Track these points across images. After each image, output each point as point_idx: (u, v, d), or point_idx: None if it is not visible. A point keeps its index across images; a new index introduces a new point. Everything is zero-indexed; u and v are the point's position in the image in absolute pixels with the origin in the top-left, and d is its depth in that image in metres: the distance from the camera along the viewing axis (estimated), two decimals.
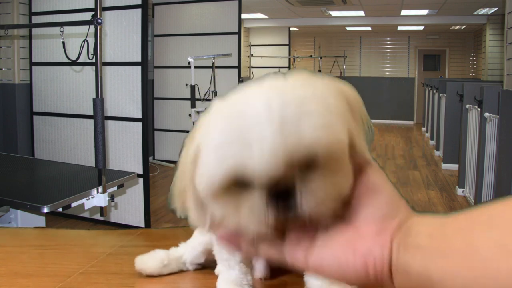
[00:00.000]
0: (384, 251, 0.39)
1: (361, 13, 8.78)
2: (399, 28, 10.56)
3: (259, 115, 0.39)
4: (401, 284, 0.38)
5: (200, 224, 0.47)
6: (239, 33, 5.45)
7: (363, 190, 0.42)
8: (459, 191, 4.56)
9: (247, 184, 0.41)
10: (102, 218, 3.21)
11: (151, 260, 0.79)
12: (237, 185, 0.41)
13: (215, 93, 4.86)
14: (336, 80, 0.46)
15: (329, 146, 0.40)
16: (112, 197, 2.65)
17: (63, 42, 2.78)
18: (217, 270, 0.71)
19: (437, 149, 6.79)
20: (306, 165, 0.41)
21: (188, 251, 0.81)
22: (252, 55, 9.70)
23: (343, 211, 0.42)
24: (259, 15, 9.25)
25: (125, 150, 3.48)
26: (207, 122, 0.45)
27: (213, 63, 4.85)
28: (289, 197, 0.41)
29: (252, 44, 9.84)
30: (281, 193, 0.41)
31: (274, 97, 0.40)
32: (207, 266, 0.82)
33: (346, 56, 11.22)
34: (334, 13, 8.84)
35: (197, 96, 4.65)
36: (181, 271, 0.82)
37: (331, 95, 0.42)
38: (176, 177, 0.49)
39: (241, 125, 0.40)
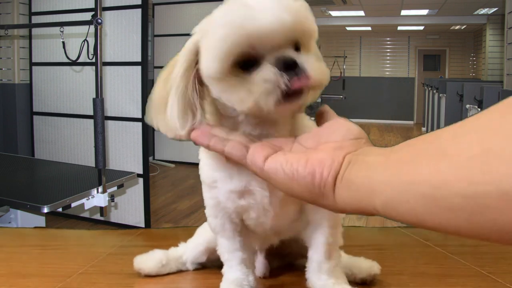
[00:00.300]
0: (334, 163, 0.42)
1: (361, 13, 8.78)
2: (399, 28, 10.57)
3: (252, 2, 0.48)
4: (342, 195, 0.41)
5: (181, 126, 0.52)
6: None
7: (327, 124, 0.49)
8: None
9: (253, 62, 0.49)
10: (102, 218, 3.21)
11: (149, 260, 0.79)
12: (242, 64, 0.49)
13: None
14: None
15: (311, 24, 0.51)
16: (112, 197, 2.65)
17: (63, 42, 2.78)
18: (223, 270, 0.71)
19: None
20: (299, 36, 0.50)
21: (189, 250, 0.81)
22: None
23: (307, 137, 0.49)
24: None
25: (125, 150, 3.48)
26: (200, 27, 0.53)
27: None
28: (294, 67, 0.49)
29: None
30: (288, 60, 0.49)
31: None
32: (208, 266, 0.82)
33: (346, 56, 11.23)
34: (334, 13, 8.84)
35: None
36: (180, 271, 0.82)
37: None
38: (156, 87, 0.54)
39: (237, 11, 0.48)
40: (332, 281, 0.66)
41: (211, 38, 0.50)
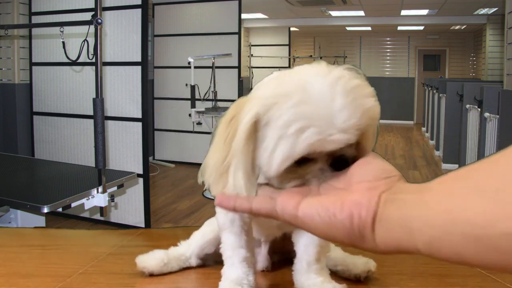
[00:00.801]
0: (371, 203, 0.40)
1: (361, 13, 8.78)
2: (399, 28, 10.56)
3: (323, 91, 0.45)
4: (382, 236, 0.39)
5: (247, 192, 0.49)
6: (239, 33, 5.45)
7: (358, 162, 0.46)
8: None
9: (310, 159, 0.47)
10: (102, 218, 3.21)
11: (151, 259, 0.79)
12: (299, 161, 0.46)
13: (215, 93, 4.85)
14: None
15: (379, 111, 0.47)
16: (112, 197, 2.65)
17: (63, 42, 2.78)
18: (222, 270, 0.71)
19: (437, 149, 6.79)
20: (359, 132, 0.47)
21: (195, 240, 0.81)
22: (252, 55, 9.70)
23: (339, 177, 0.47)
24: (259, 15, 9.25)
25: (125, 150, 3.48)
26: (262, 95, 0.48)
27: (213, 63, 4.85)
28: (345, 163, 0.47)
29: (252, 44, 9.84)
30: (337, 159, 0.47)
31: (327, 75, 0.46)
32: (212, 262, 0.83)
33: (346, 56, 11.23)
34: (334, 13, 8.84)
35: (197, 96, 4.65)
36: (182, 270, 0.82)
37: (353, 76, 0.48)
38: (212, 153, 0.51)
39: (308, 102, 0.44)
40: (321, 279, 0.68)
41: (278, 132, 0.45)
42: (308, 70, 0.48)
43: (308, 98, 0.44)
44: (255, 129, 0.47)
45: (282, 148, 0.45)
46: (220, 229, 0.70)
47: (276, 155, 0.46)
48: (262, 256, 0.81)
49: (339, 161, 0.47)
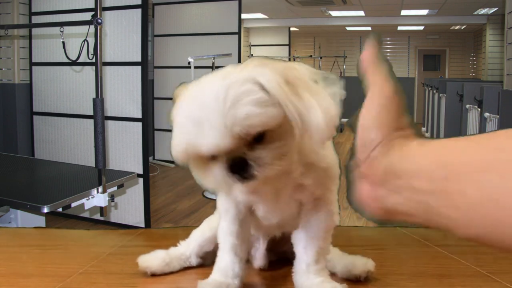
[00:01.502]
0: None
1: (361, 13, 8.78)
2: (399, 28, 10.56)
3: (207, 100, 0.50)
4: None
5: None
6: (239, 33, 5.45)
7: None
8: None
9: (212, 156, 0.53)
10: (102, 218, 3.21)
11: (153, 259, 0.80)
12: (202, 156, 0.53)
13: None
14: (282, 63, 0.55)
15: (263, 119, 0.51)
16: (112, 197, 2.65)
17: (63, 42, 2.78)
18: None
19: None
20: (252, 136, 0.51)
21: (195, 238, 0.82)
22: (252, 55, 9.70)
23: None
24: (259, 15, 9.25)
25: (125, 150, 3.48)
26: (181, 99, 0.55)
27: (213, 63, 4.84)
28: (245, 165, 0.52)
29: (252, 44, 9.84)
30: (237, 162, 0.52)
31: (220, 83, 0.51)
32: (210, 262, 0.83)
33: (346, 56, 11.21)
34: (334, 13, 8.84)
35: None
36: (183, 270, 0.82)
37: (268, 76, 0.51)
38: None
39: (196, 108, 0.51)
40: (320, 279, 0.68)
41: (173, 133, 0.55)
42: (216, 74, 0.53)
43: (196, 103, 0.51)
44: None
45: (173, 143, 0.54)
46: (219, 214, 0.73)
47: (172, 150, 0.54)
48: (259, 254, 0.81)
49: (238, 163, 0.52)
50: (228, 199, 0.69)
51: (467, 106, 4.29)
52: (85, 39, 2.74)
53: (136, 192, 3.46)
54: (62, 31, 2.70)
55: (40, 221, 2.73)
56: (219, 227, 0.73)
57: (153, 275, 0.79)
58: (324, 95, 0.54)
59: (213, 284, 0.69)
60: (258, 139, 0.53)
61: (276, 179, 0.58)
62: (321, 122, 0.52)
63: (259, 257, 0.81)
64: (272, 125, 0.52)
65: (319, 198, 0.67)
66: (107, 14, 3.38)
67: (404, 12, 8.66)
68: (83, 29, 2.64)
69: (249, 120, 0.50)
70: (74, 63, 3.11)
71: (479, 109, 3.74)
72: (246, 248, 0.74)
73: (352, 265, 0.77)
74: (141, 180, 3.41)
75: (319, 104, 0.53)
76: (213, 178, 0.55)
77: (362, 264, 0.77)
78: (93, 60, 2.57)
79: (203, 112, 0.50)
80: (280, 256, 0.82)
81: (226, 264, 0.71)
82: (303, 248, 0.69)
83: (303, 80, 0.54)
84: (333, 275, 0.77)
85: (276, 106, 0.51)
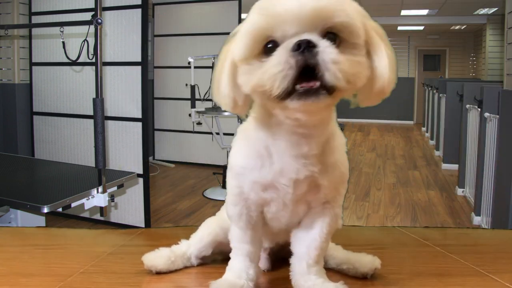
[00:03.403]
0: None
1: None
2: (399, 28, 10.56)
3: None
4: None
5: (229, 103, 0.58)
6: None
7: None
8: (459, 191, 4.55)
9: (273, 49, 0.51)
10: (102, 218, 3.21)
11: (158, 258, 0.80)
12: (268, 50, 0.52)
13: None
14: None
15: (348, 14, 0.51)
16: (112, 197, 2.65)
17: (63, 42, 2.78)
18: (230, 259, 0.74)
19: (437, 149, 6.79)
20: (331, 27, 0.51)
21: (193, 244, 0.82)
22: None
23: None
24: None
25: (125, 150, 3.48)
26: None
27: (213, 63, 4.84)
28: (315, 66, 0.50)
29: None
30: (306, 45, 0.49)
31: None
32: (212, 260, 0.83)
33: None
34: None
35: (197, 96, 4.65)
36: (183, 268, 0.82)
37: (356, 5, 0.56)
38: (213, 75, 0.60)
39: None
40: (321, 280, 0.68)
41: (243, 25, 0.54)
42: None
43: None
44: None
45: (244, 30, 0.53)
46: (229, 220, 0.71)
47: (239, 38, 0.54)
48: (262, 258, 0.81)
49: (301, 45, 0.50)
50: (240, 203, 0.67)
51: (467, 106, 4.29)
52: (85, 39, 2.74)
53: (136, 192, 3.46)
54: (62, 31, 2.70)
55: (40, 221, 2.73)
56: (231, 233, 0.71)
57: (158, 273, 0.79)
58: (392, 50, 0.58)
59: (225, 285, 0.68)
60: (334, 40, 0.52)
61: (324, 112, 0.57)
62: (386, 71, 0.55)
63: (261, 261, 0.81)
64: (354, 30, 0.53)
65: (328, 201, 0.67)
66: (107, 14, 3.38)
67: (404, 12, 8.66)
68: (83, 29, 2.64)
69: (337, 6, 0.51)
70: (74, 63, 3.10)
71: (479, 109, 3.73)
72: (259, 254, 0.73)
73: (359, 263, 0.77)
74: (141, 180, 3.41)
75: (387, 55, 0.56)
76: (267, 69, 0.51)
77: (369, 261, 0.77)
78: (93, 60, 2.57)
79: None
80: (282, 256, 0.82)
81: (240, 268, 0.70)
82: (306, 247, 0.69)
83: (379, 31, 0.58)
84: (337, 272, 0.78)
85: (359, 22, 0.54)
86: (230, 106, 0.58)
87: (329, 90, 0.51)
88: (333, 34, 0.53)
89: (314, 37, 0.50)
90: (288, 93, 0.51)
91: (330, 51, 0.50)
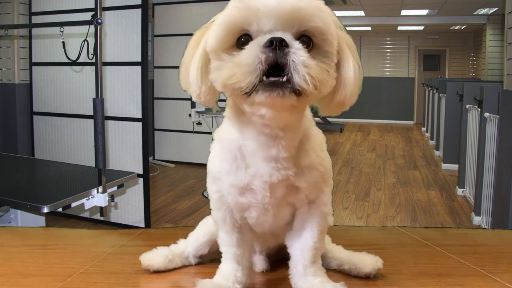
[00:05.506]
0: None
1: (361, 13, 8.78)
2: (399, 28, 10.56)
3: None
4: None
5: (195, 91, 0.58)
6: None
7: None
8: (459, 191, 4.55)
9: (245, 43, 0.52)
10: (102, 218, 3.21)
11: (156, 257, 0.80)
12: (237, 45, 0.53)
13: None
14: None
15: (323, 20, 0.52)
16: (112, 197, 2.65)
17: (63, 42, 2.78)
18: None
19: (437, 149, 6.79)
20: (305, 30, 0.52)
21: (190, 243, 0.82)
22: None
23: None
24: None
25: (125, 150, 3.48)
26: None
27: None
28: (285, 64, 0.50)
29: None
30: (279, 42, 0.50)
31: None
32: (209, 259, 0.83)
33: None
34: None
35: None
36: (181, 268, 0.83)
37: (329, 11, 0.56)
38: (182, 61, 0.61)
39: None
40: (319, 280, 0.68)
41: (219, 15, 0.56)
42: None
43: None
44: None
45: (219, 22, 0.54)
46: (216, 225, 0.72)
47: (213, 30, 0.55)
48: (259, 259, 0.81)
49: (280, 45, 0.50)
50: (222, 207, 0.68)
51: (467, 106, 4.29)
52: (85, 39, 2.74)
53: (136, 192, 3.46)
54: (62, 31, 2.70)
55: (40, 221, 2.73)
56: (218, 237, 0.72)
57: (156, 272, 0.79)
58: (359, 64, 0.59)
59: (210, 286, 0.69)
60: (308, 44, 0.53)
61: (289, 114, 0.56)
62: (350, 84, 0.56)
63: (259, 261, 0.81)
64: (327, 38, 0.54)
65: (313, 201, 0.67)
66: (107, 14, 3.38)
67: (404, 12, 8.66)
68: (83, 29, 2.64)
69: (313, 10, 0.52)
70: (74, 63, 3.10)
71: (479, 109, 3.73)
72: (249, 256, 0.73)
73: (362, 263, 0.77)
74: (141, 180, 3.41)
75: (354, 68, 0.57)
76: (237, 64, 0.52)
77: (372, 262, 0.77)
78: (93, 60, 2.57)
79: None
80: (281, 257, 0.82)
81: (228, 270, 0.70)
82: (299, 249, 0.69)
83: (350, 43, 0.60)
84: (338, 273, 0.78)
85: (333, 30, 0.55)
86: (196, 94, 0.58)
87: (296, 92, 0.51)
88: (307, 38, 0.53)
89: (288, 37, 0.51)
90: (256, 89, 0.51)
91: (302, 54, 0.50)
